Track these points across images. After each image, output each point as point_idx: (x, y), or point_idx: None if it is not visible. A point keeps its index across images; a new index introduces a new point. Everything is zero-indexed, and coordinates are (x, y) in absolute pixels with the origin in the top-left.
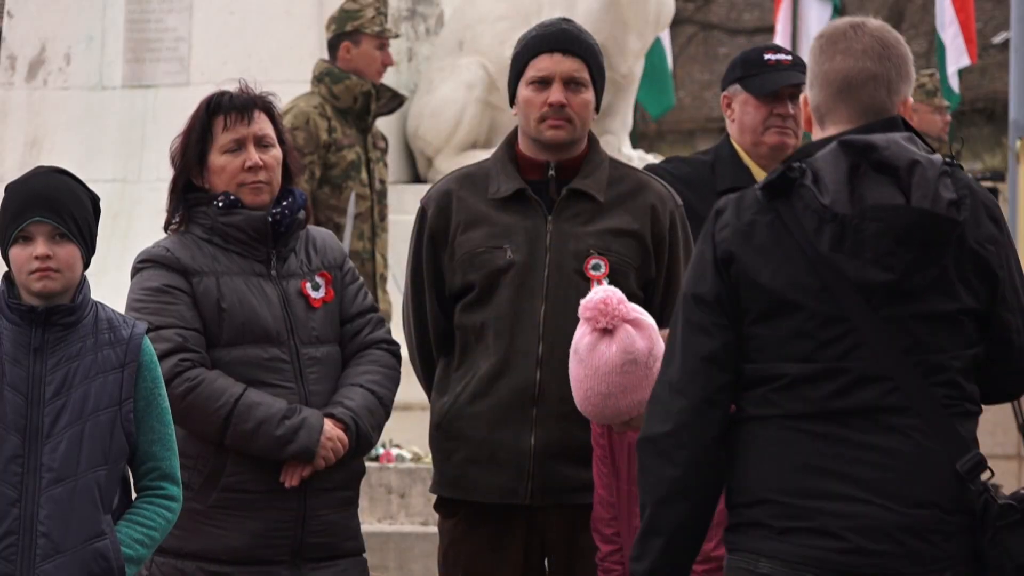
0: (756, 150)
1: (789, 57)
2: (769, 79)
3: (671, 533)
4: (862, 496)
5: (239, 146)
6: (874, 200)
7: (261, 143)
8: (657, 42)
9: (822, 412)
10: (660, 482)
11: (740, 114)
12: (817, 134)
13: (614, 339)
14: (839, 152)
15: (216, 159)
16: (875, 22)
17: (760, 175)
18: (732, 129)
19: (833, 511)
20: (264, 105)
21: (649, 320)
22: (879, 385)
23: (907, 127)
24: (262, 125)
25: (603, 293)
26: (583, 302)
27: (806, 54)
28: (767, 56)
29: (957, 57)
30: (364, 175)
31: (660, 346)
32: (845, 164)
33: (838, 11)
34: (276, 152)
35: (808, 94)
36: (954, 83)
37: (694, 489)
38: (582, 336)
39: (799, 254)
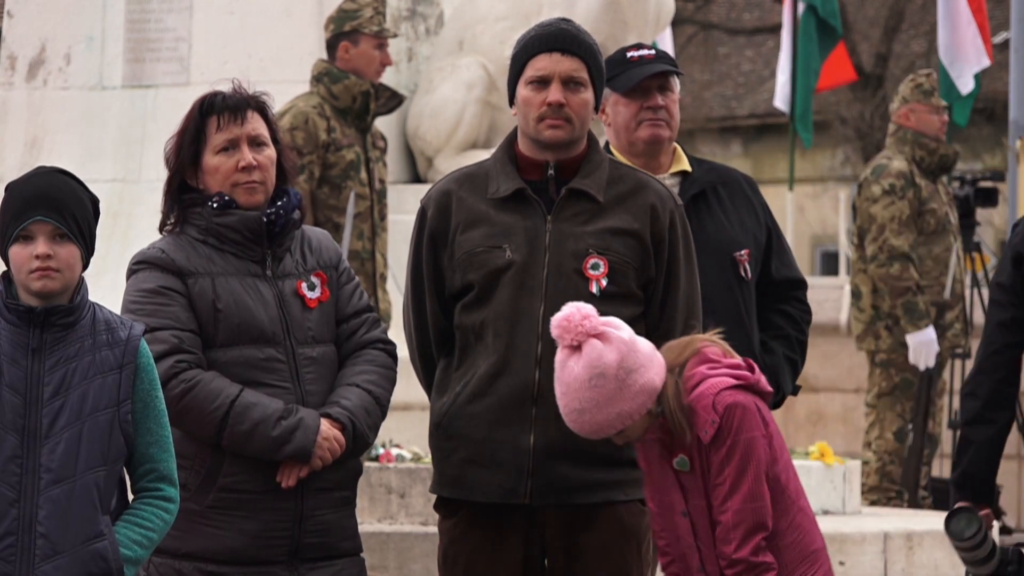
0: (632, 148)
1: (652, 52)
2: (633, 74)
3: (978, 446)
4: None
5: (232, 146)
6: None
7: (255, 143)
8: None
9: None
10: (970, 410)
11: (613, 116)
12: None
13: (581, 355)
14: None
15: (210, 159)
16: None
17: None
18: (609, 134)
19: None
20: (257, 105)
21: (620, 333)
22: None
23: None
24: (255, 125)
25: (567, 309)
26: (552, 319)
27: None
28: (630, 54)
29: (978, 58)
30: (364, 175)
31: (634, 357)
32: None
33: (837, 12)
34: (270, 152)
35: None
36: (969, 84)
37: (992, 416)
38: (557, 354)
39: None
